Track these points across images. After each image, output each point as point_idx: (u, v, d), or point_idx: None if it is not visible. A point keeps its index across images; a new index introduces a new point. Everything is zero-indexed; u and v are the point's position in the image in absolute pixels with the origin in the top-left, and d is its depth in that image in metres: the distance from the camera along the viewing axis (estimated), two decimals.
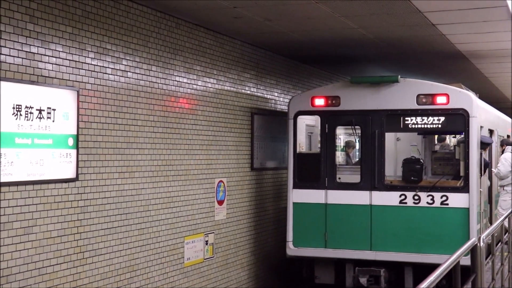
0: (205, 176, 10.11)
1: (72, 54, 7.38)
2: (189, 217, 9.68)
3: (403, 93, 10.64)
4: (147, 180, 8.70)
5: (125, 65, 8.29)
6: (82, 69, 7.54)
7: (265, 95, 12.36)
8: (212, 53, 10.39)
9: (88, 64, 7.64)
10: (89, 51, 7.65)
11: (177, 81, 9.41)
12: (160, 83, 9.02)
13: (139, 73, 8.57)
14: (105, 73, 7.94)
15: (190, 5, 8.82)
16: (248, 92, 11.65)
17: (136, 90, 8.50)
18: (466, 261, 6.34)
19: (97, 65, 7.79)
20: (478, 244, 6.29)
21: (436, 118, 10.54)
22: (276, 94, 12.83)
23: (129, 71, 8.38)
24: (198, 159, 9.93)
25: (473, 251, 6.28)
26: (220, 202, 10.56)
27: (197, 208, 9.89)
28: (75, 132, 7.34)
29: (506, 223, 10.49)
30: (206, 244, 10.12)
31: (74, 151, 7.32)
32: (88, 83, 7.64)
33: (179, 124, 9.42)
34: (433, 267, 5.01)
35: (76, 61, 7.44)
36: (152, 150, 8.82)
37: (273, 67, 12.70)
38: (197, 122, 9.91)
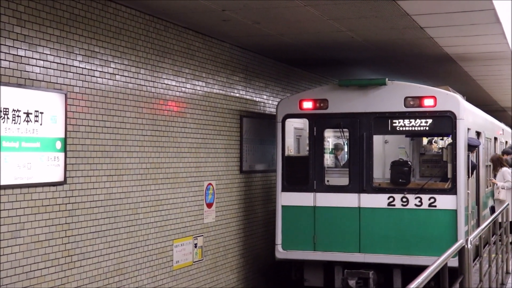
0: (194, 179, 10.08)
1: (60, 57, 7.33)
2: (178, 220, 9.64)
3: (391, 95, 10.67)
4: (136, 183, 8.66)
5: (113, 68, 8.25)
6: (70, 72, 7.49)
7: (254, 98, 12.35)
8: (201, 56, 10.37)
9: (76, 67, 7.60)
10: (77, 54, 7.61)
11: (166, 84, 9.38)
12: (149, 86, 8.99)
13: (128, 76, 8.53)
14: (93, 76, 7.89)
15: (179, 8, 8.80)
16: (237, 95, 11.64)
17: (124, 93, 8.46)
18: (454, 262, 6.33)
19: (85, 68, 7.74)
20: (466, 246, 6.30)
21: (423, 120, 10.56)
22: (265, 97, 12.83)
23: (118, 74, 8.34)
24: (187, 162, 9.90)
25: (461, 252, 6.29)
26: (209, 205, 10.53)
27: (186, 211, 9.86)
28: (63, 135, 7.29)
29: (500, 219, 10.55)
30: (195, 247, 10.09)
31: (62, 155, 7.27)
32: (76, 86, 7.60)
33: (167, 127, 9.39)
34: (422, 269, 5.01)
35: (64, 64, 7.40)
36: (141, 153, 8.78)
37: (262, 70, 12.69)
38: (186, 125, 9.88)
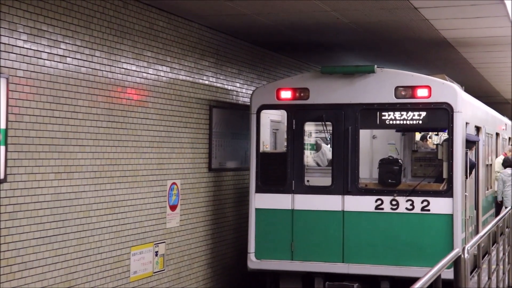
0: (156, 177, 10.04)
1: (1, 35, 7.22)
2: (137, 225, 9.59)
3: (380, 85, 10.70)
4: (89, 182, 8.59)
5: (63, 49, 8.16)
6: (12, 53, 7.38)
7: (226, 86, 12.32)
8: (165, 37, 10.31)
9: (20, 47, 7.49)
10: (21, 32, 7.50)
11: (125, 68, 9.32)
12: (105, 71, 8.91)
13: (80, 59, 8.45)
14: (40, 58, 7.79)
15: None
16: (206, 82, 11.60)
17: (76, 78, 8.38)
18: (449, 274, 6.34)
19: (30, 49, 7.64)
20: (462, 256, 6.30)
21: (416, 113, 10.59)
22: (238, 85, 12.81)
23: (69, 56, 8.25)
24: (148, 158, 9.86)
25: (457, 263, 6.29)
26: (173, 207, 10.50)
27: (146, 214, 9.81)
28: (3, 126, 7.18)
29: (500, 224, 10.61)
30: (156, 255, 10.04)
31: (2, 148, 7.16)
32: (19, 69, 7.49)
33: (126, 118, 9.33)
34: (413, 281, 5.01)
35: (5, 44, 7.28)
36: (95, 147, 8.71)
37: (235, 55, 12.65)
38: (148, 116, 9.83)
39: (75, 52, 8.37)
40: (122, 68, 9.28)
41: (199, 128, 11.33)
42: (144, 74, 9.78)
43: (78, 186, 8.41)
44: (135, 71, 9.57)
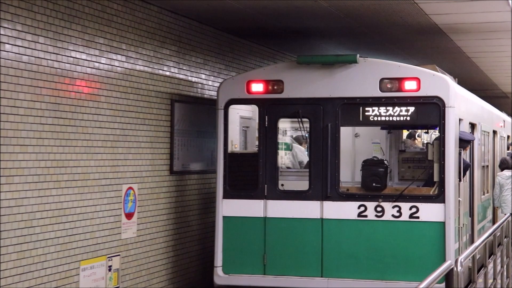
0: (109, 181, 10.00)
1: None
2: (87, 235, 9.53)
3: (363, 76, 10.73)
4: (31, 187, 8.52)
5: (1, 35, 8.05)
6: None
7: (189, 78, 12.29)
8: (120, 22, 10.26)
9: None
10: None
11: (73, 57, 9.25)
12: (50, 60, 8.84)
13: (22, 46, 8.36)
14: None
15: None
16: (167, 73, 11.57)
17: (17, 68, 8.29)
18: None
19: None
20: (455, 268, 6.38)
21: (404, 108, 10.63)
22: (203, 76, 12.79)
23: (8, 43, 8.16)
24: (101, 159, 9.80)
25: (449, 277, 6.35)
26: (129, 216, 10.47)
27: (98, 223, 9.76)
28: None
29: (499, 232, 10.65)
30: (109, 270, 9.99)
31: None
32: None
33: (75, 113, 9.26)
34: None
35: None
36: (39, 147, 8.64)
37: (199, 42, 12.63)
38: (100, 112, 9.77)
39: (15, 38, 8.28)
40: (70, 56, 9.20)
41: (159, 125, 11.29)
42: (96, 64, 9.71)
43: (19, 192, 8.32)
44: (85, 60, 9.49)
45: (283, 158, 13.63)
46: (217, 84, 12.73)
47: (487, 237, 9.38)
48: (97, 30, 9.73)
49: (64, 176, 9.07)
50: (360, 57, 10.80)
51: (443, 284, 6.40)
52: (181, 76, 12.01)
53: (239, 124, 13.41)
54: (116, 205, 10.14)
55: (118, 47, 10.22)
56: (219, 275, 11.07)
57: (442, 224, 10.37)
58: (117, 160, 10.18)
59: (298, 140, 14.30)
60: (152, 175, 11.07)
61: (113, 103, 10.08)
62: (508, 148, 16.87)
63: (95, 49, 9.70)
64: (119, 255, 10.21)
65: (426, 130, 15.21)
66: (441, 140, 10.54)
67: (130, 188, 10.49)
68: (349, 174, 12.96)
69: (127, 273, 10.44)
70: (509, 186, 15.32)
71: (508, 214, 13.14)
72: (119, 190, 10.22)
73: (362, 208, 10.64)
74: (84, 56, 9.46)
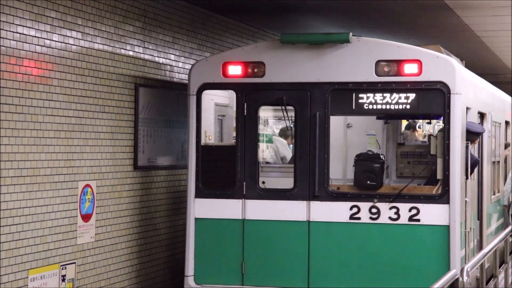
0: (63, 178, 9.98)
1: None
2: (37, 240, 9.49)
3: (357, 58, 10.74)
4: None
5: None
6: None
7: (157, 59, 12.30)
8: None
9: None
10: None
11: (20, 33, 9.19)
12: None
13: None
14: None
15: None
16: (131, 53, 11.56)
17: None
18: None
19: None
20: (461, 279, 6.46)
21: (403, 95, 10.65)
22: (172, 57, 12.79)
23: None
24: (53, 152, 9.77)
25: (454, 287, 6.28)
26: (86, 217, 10.46)
27: (50, 226, 9.72)
28: None
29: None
30: (63, 280, 9.98)
31: None
32: None
33: (22, 99, 9.22)
34: None
35: None
36: None
37: (168, 17, 12.63)
38: (52, 97, 9.73)
39: None
40: (16, 32, 9.14)
41: (122, 113, 11.28)
42: (47, 42, 9.66)
43: None
44: (34, 37, 9.43)
45: (265, 151, 13.63)
46: (188, 66, 12.70)
47: (498, 243, 9.40)
48: (48, 2, 9.66)
49: (10, 172, 9.04)
50: (353, 36, 10.79)
51: None
52: (146, 57, 11.99)
53: (214, 112, 13.40)
54: (71, 205, 10.12)
55: (73, 22, 10.17)
56: (190, 286, 11.08)
57: (446, 228, 10.39)
58: (72, 153, 10.15)
59: (283, 133, 14.25)
60: (113, 171, 11.07)
61: (67, 87, 10.03)
62: None
63: (46, 24, 9.64)
64: (74, 263, 10.20)
65: (429, 121, 15.22)
66: (445, 132, 10.55)
67: (88, 185, 10.48)
68: (340, 170, 12.99)
69: (84, 284, 10.42)
70: None
71: None
72: (75, 188, 10.20)
73: (354, 210, 10.66)
74: (32, 32, 9.39)
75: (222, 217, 11.07)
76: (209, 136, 12.91)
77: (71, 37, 10.11)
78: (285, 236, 10.86)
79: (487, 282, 9.38)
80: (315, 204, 10.78)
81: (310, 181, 10.81)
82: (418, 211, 10.47)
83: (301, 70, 10.88)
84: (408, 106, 10.72)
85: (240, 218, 11.01)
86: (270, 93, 11.06)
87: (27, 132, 9.29)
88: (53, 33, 9.75)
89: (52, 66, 9.74)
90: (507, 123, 16.98)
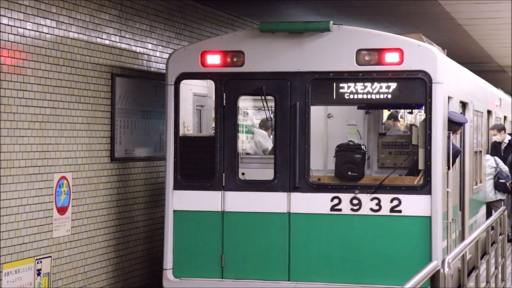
0: (38, 170, 9.95)
1: None
2: (11, 234, 9.45)
3: (338, 47, 10.74)
4: None
5: None
6: None
7: (134, 48, 12.27)
8: None
9: None
10: None
11: None
12: None
13: None
14: None
15: None
16: (107, 42, 11.53)
17: None
18: None
19: None
20: (442, 270, 6.40)
21: (384, 84, 10.67)
22: (150, 46, 12.77)
23: None
24: (27, 143, 9.74)
25: (435, 280, 6.37)
26: (62, 210, 10.43)
27: (25, 219, 9.69)
28: None
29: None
30: (39, 274, 9.94)
31: None
32: None
33: None
34: None
35: None
36: None
37: (145, 6, 12.60)
38: (26, 87, 9.69)
39: None
40: None
41: (98, 103, 11.25)
42: (20, 30, 9.61)
43: None
44: (7, 25, 9.38)
45: (244, 142, 13.61)
46: (166, 56, 12.65)
47: (479, 234, 9.40)
48: None
49: None
50: (333, 24, 10.79)
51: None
52: (123, 46, 11.96)
53: (192, 103, 13.43)
54: (46, 198, 10.09)
55: (47, 10, 10.13)
56: (169, 279, 11.06)
57: (428, 219, 10.42)
58: (47, 144, 10.12)
59: (264, 124, 14.22)
60: (89, 163, 11.05)
61: (42, 77, 10.00)
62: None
63: (19, 12, 9.59)
64: (50, 256, 10.17)
65: (410, 110, 15.26)
66: (427, 122, 10.56)
67: (63, 177, 10.45)
68: (320, 161, 13.02)
69: (60, 278, 10.40)
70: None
71: (503, 207, 13.21)
72: (50, 180, 10.17)
73: (335, 201, 10.68)
74: (5, 21, 9.35)
75: (201, 209, 11.07)
76: (188, 126, 12.94)
77: (45, 25, 10.06)
78: (265, 228, 10.88)
79: (469, 274, 9.37)
80: (295, 196, 10.79)
81: (291, 172, 10.82)
82: (400, 202, 10.50)
83: (281, 59, 10.88)
84: (389, 96, 10.74)
85: (220, 210, 11.01)
86: (250, 82, 11.05)
87: (0, 123, 9.24)
88: (26, 21, 9.70)
89: (26, 55, 9.69)
90: (489, 112, 17.03)
